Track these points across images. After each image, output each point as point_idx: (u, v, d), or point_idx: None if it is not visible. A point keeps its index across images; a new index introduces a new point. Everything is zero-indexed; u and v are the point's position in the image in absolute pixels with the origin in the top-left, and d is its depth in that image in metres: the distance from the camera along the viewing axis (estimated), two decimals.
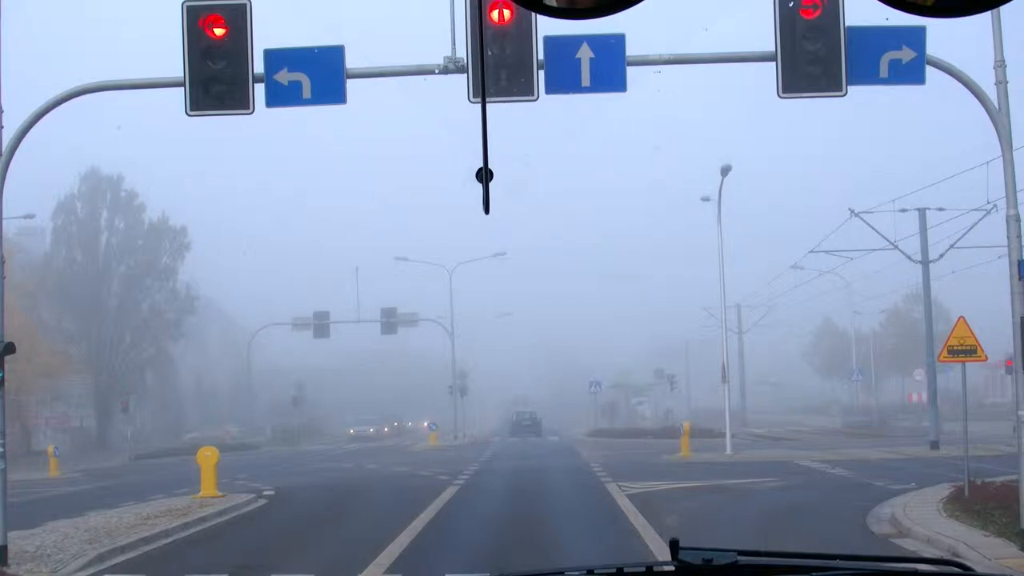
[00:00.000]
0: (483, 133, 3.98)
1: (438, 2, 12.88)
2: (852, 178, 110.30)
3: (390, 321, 61.36)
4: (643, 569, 2.80)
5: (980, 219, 31.17)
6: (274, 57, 13.22)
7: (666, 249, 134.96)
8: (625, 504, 19.33)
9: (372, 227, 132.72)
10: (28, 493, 25.83)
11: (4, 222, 14.11)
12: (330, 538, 16.51)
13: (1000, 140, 13.37)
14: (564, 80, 13.05)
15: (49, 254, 60.03)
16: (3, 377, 13.32)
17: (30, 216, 47.78)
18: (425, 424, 73.94)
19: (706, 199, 38.20)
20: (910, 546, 13.86)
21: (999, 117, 13.28)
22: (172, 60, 13.00)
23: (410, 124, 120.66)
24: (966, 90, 13.32)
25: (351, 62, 13.36)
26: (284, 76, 13.18)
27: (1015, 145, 13.55)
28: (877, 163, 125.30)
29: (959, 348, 17.01)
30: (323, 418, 77.71)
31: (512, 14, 12.40)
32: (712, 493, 21.94)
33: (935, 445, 32.62)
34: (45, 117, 13.68)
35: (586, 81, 13.01)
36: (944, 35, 12.57)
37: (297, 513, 20.62)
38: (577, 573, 2.80)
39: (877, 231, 34.25)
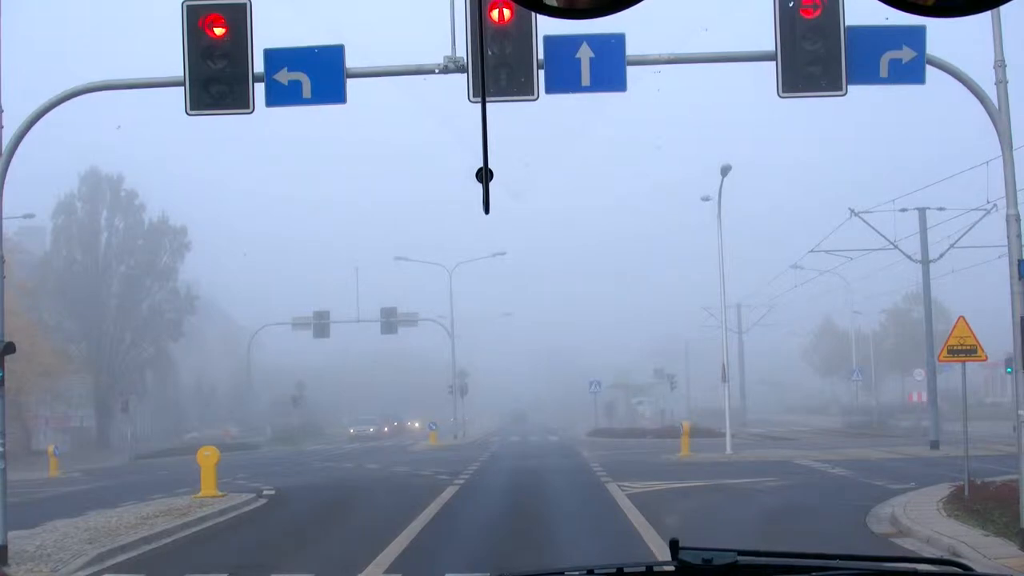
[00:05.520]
0: (483, 133, 3.98)
1: (438, 2, 12.89)
2: (852, 178, 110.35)
3: (390, 321, 61.34)
4: (643, 569, 2.80)
5: (980, 219, 31.24)
6: (274, 57, 13.22)
7: (666, 249, 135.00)
8: (625, 504, 19.33)
9: (372, 227, 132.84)
10: (28, 493, 25.84)
11: (4, 222, 14.12)
12: (330, 538, 16.51)
13: (1000, 140, 13.37)
14: (564, 80, 13.05)
15: (49, 254, 59.98)
16: (3, 377, 13.33)
17: (30, 216, 47.75)
18: (418, 424, 74.01)
19: (706, 199, 38.21)
20: (910, 546, 13.86)
21: (999, 117, 13.28)
22: (172, 60, 13.02)
23: (410, 124, 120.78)
24: (966, 90, 13.32)
25: (351, 62, 13.37)
26: (284, 76, 13.18)
27: (1015, 145, 13.56)
28: (877, 163, 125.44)
29: (959, 348, 17.01)
30: (323, 418, 77.74)
31: (512, 14, 12.40)
32: (712, 493, 21.94)
33: (935, 445, 32.63)
34: (45, 117, 13.69)
35: (586, 81, 13.01)
36: (944, 35, 12.57)
37: (297, 513, 20.63)
38: (577, 573, 2.80)
39: (877, 231, 34.32)
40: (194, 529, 17.90)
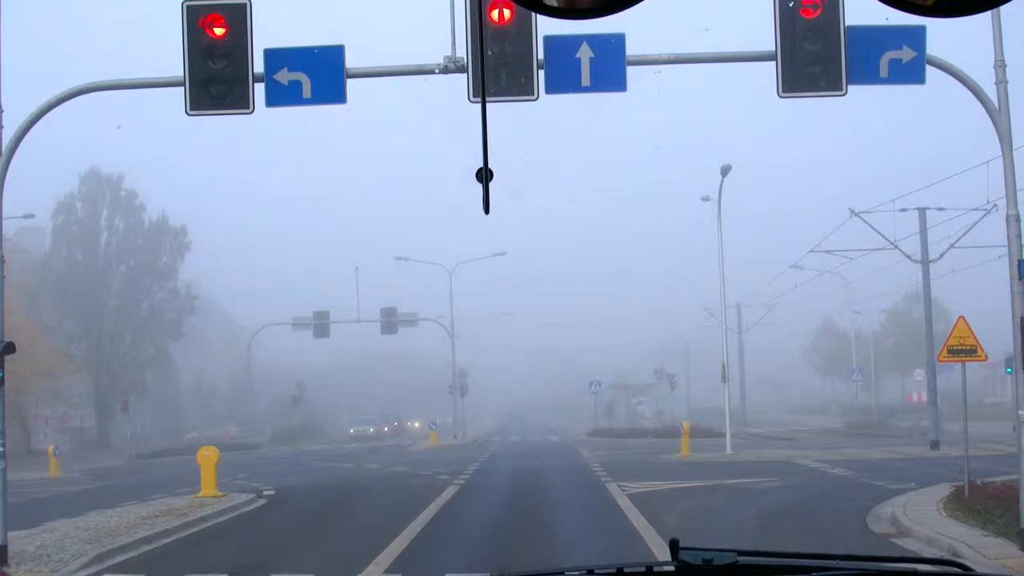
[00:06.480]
0: (483, 133, 3.98)
1: (438, 2, 12.89)
2: (852, 178, 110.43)
3: (390, 321, 61.34)
4: (643, 569, 2.80)
5: (980, 219, 31.25)
6: (274, 57, 13.21)
7: (666, 249, 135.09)
8: (625, 504, 19.33)
9: (372, 227, 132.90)
10: (28, 493, 25.84)
11: (4, 222, 14.12)
12: (330, 538, 16.51)
13: (1000, 140, 13.37)
14: (564, 80, 13.04)
15: (49, 254, 60.00)
16: (3, 377, 13.33)
17: (30, 216, 47.73)
18: (418, 424, 74.01)
19: (706, 199, 38.18)
20: (910, 546, 13.86)
21: (999, 117, 13.28)
22: (172, 60, 13.02)
23: (410, 124, 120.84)
24: (966, 90, 13.32)
25: (351, 62, 13.37)
26: (284, 76, 13.18)
27: (1015, 145, 13.56)
28: (877, 163, 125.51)
29: (959, 348, 17.01)
30: (323, 418, 77.73)
31: (512, 14, 12.40)
32: (712, 493, 21.94)
33: (935, 445, 32.64)
34: (45, 117, 13.69)
35: (586, 81, 13.01)
36: (944, 35, 12.57)
37: (297, 513, 20.63)
38: (577, 573, 2.80)
39: (877, 231, 34.31)
40: (194, 529, 17.90)
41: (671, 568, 2.69)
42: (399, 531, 16.05)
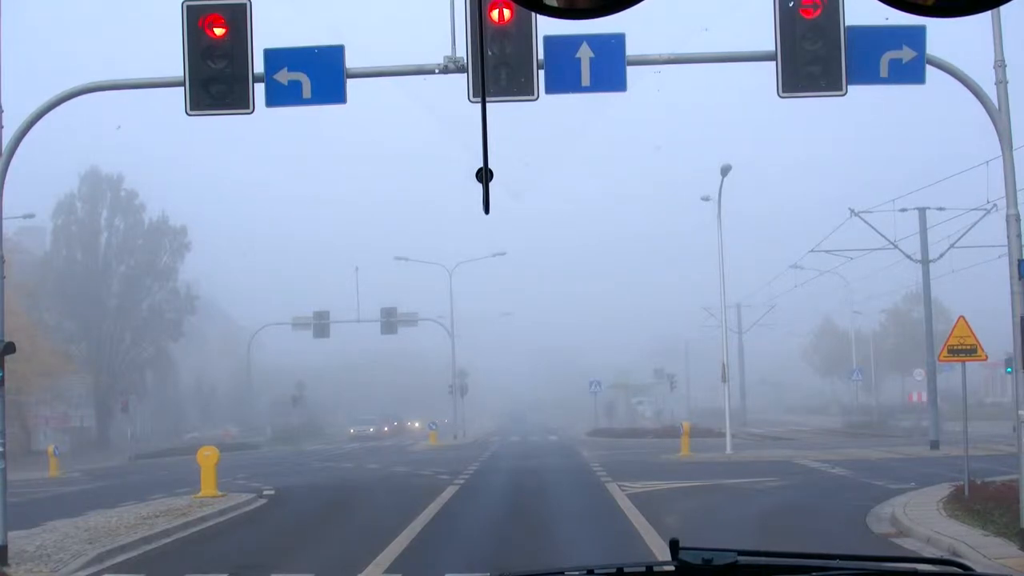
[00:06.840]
0: (483, 133, 3.98)
1: (438, 2, 12.89)
2: (852, 178, 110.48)
3: (390, 321, 61.33)
4: (643, 569, 2.80)
5: (980, 219, 31.25)
6: (274, 57, 13.22)
7: (666, 249, 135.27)
8: (625, 504, 19.33)
9: (372, 227, 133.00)
10: (28, 493, 25.84)
11: (4, 222, 14.12)
12: (330, 538, 16.51)
13: (1000, 140, 13.37)
14: (564, 80, 13.05)
15: (49, 254, 59.99)
16: (3, 377, 13.32)
17: (30, 216, 47.70)
18: (418, 424, 74.05)
19: (706, 199, 38.16)
20: (910, 546, 13.86)
21: (999, 117, 13.28)
22: (172, 60, 13.02)
23: (410, 124, 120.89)
24: (966, 90, 13.32)
25: (351, 62, 13.38)
26: (284, 76, 13.18)
27: (1015, 145, 13.56)
28: (877, 163, 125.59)
29: (959, 348, 17.02)
30: (323, 418, 77.76)
31: (512, 14, 12.40)
32: (712, 493, 21.94)
33: (935, 445, 32.64)
34: (45, 117, 13.69)
35: (586, 81, 13.01)
36: (944, 35, 12.58)
37: (297, 513, 20.63)
38: (577, 573, 2.80)
39: (877, 231, 34.31)
40: (194, 529, 17.91)
41: (671, 568, 2.69)
42: (399, 531, 16.04)
